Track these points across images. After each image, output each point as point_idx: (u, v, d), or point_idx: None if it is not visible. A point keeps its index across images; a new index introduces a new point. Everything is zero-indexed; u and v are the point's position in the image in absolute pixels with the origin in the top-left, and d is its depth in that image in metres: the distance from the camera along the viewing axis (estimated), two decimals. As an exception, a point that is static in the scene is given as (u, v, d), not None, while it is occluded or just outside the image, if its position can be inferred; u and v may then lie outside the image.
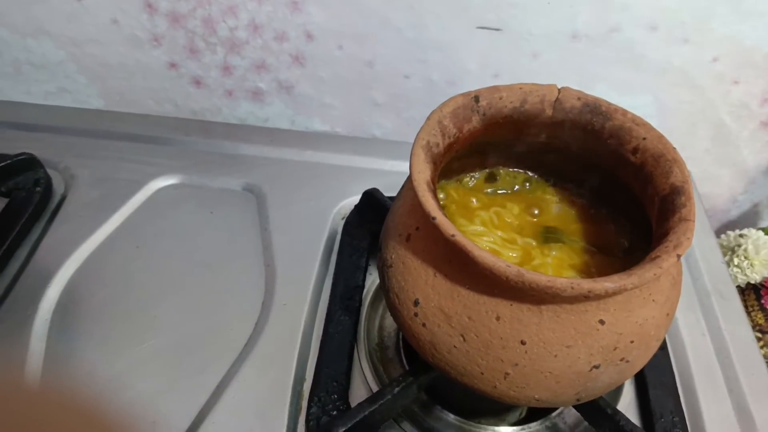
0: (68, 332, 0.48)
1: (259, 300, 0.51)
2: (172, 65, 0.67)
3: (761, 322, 0.64)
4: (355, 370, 0.47)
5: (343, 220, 0.57)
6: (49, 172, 0.59)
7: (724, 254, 0.65)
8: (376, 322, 0.51)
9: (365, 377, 0.46)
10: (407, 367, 0.48)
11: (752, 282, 0.64)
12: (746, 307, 0.65)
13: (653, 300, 0.36)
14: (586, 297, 0.32)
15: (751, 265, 0.63)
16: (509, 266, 0.32)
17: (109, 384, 0.45)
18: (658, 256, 0.33)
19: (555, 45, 0.61)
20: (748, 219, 0.77)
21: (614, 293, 0.32)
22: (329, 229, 0.57)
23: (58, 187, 0.59)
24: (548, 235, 0.45)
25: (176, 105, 0.71)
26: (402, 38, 0.62)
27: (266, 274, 0.53)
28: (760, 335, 0.65)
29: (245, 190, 0.60)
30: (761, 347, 0.65)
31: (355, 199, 0.58)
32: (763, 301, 0.64)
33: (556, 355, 0.34)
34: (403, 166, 0.61)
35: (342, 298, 0.49)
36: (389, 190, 0.55)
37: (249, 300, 0.51)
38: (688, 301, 0.53)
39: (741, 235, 0.65)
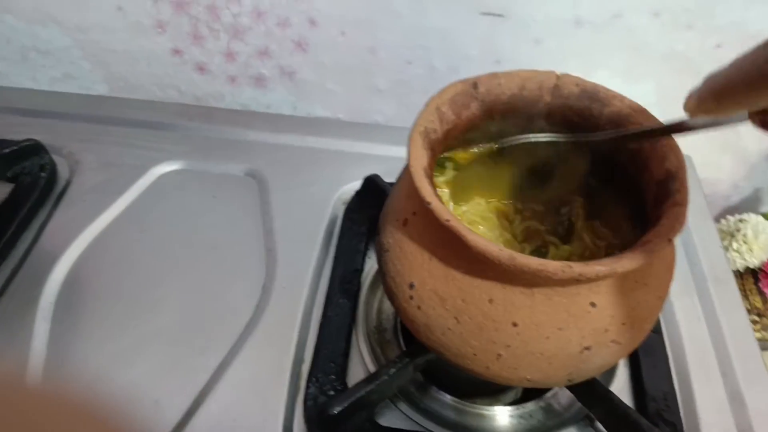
0: (72, 313, 0.50)
1: (260, 283, 0.52)
2: (176, 51, 0.67)
3: (758, 305, 0.64)
4: (353, 352, 0.48)
5: (344, 206, 0.58)
6: (54, 157, 0.60)
7: (723, 239, 0.66)
8: (375, 306, 0.52)
9: (363, 359, 0.47)
10: (404, 349, 0.48)
11: (751, 266, 0.65)
12: (744, 290, 0.65)
13: (645, 284, 0.36)
14: (577, 280, 0.33)
15: (750, 249, 0.63)
16: (501, 250, 0.32)
17: (112, 363, 0.47)
18: (650, 241, 0.33)
19: (558, 31, 0.61)
20: (749, 204, 0.77)
21: (605, 277, 0.33)
22: (330, 214, 0.58)
23: (62, 172, 0.60)
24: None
25: (180, 91, 0.72)
26: (404, 24, 0.62)
27: (267, 257, 0.54)
28: (757, 318, 0.65)
29: (247, 175, 0.61)
30: (758, 330, 0.66)
31: (357, 184, 0.59)
32: (760, 285, 0.64)
33: (548, 337, 0.35)
34: (405, 152, 0.62)
35: (341, 281, 0.50)
36: (390, 175, 0.56)
37: (250, 283, 0.52)
38: (685, 286, 0.53)
39: (741, 220, 0.65)
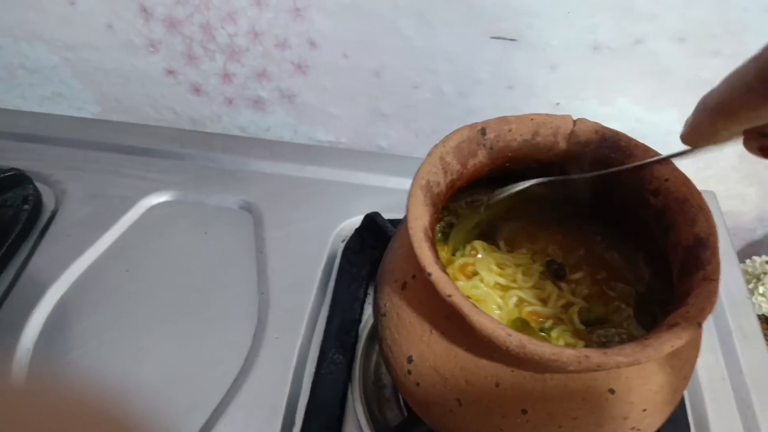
0: (51, 363, 0.46)
1: (251, 331, 0.48)
2: (170, 72, 0.64)
3: (785, 353, 0.60)
4: (348, 412, 0.44)
5: (344, 243, 0.55)
6: (40, 186, 0.57)
7: (748, 281, 0.61)
8: (373, 358, 0.48)
9: (359, 422, 0.44)
10: (404, 410, 0.45)
11: (776, 313, 0.61)
12: (769, 337, 0.61)
13: (669, 365, 0.33)
14: (595, 370, 0.29)
15: (777, 294, 0.59)
16: (510, 335, 0.29)
17: (90, 421, 0.43)
18: (677, 324, 0.30)
19: (574, 56, 0.57)
20: (774, 238, 0.73)
21: (626, 366, 0.29)
22: (328, 252, 0.54)
23: (48, 201, 0.57)
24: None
25: (175, 112, 0.68)
26: (410, 47, 0.58)
27: (260, 302, 0.50)
28: (783, 367, 0.61)
29: (242, 208, 0.57)
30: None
31: (358, 219, 0.55)
32: (788, 333, 0.60)
33: (560, 426, 0.32)
34: (408, 185, 0.59)
35: (337, 333, 0.47)
36: (394, 210, 0.52)
37: (240, 331, 0.48)
38: (708, 340, 0.49)
39: (767, 262, 0.61)
